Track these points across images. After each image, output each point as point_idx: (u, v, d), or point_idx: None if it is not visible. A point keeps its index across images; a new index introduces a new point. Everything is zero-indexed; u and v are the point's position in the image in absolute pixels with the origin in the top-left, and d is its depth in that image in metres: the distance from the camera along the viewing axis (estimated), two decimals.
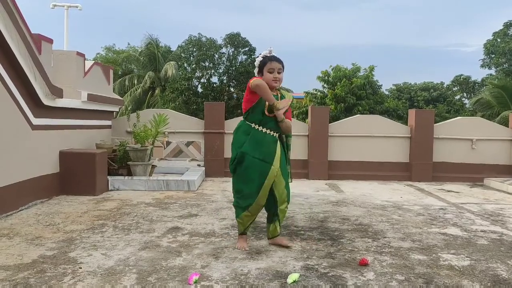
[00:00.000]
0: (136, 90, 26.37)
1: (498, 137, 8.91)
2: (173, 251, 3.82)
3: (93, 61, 8.03)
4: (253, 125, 3.73)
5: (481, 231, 4.76)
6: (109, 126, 8.62)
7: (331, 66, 21.08)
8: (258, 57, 3.80)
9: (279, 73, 3.70)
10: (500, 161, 8.88)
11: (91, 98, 7.17)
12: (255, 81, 3.58)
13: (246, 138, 3.75)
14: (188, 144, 8.83)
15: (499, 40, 24.29)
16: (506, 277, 3.35)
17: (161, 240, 4.15)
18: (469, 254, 3.89)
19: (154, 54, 26.88)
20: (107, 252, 3.75)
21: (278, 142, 3.82)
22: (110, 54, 34.34)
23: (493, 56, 24.58)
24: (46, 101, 5.92)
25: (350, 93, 20.19)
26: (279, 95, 3.81)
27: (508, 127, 9.17)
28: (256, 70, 3.80)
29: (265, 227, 4.80)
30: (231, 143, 3.92)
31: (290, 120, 3.86)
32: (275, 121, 3.71)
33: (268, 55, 3.73)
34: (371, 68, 21.14)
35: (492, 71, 26.31)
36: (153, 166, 7.56)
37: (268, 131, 3.74)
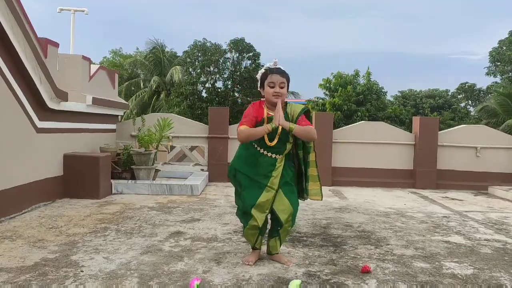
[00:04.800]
0: (142, 94, 26.48)
1: (503, 145, 8.87)
2: (175, 256, 3.82)
3: (99, 65, 8.07)
4: (254, 144, 3.49)
5: (485, 239, 4.73)
6: (113, 130, 8.66)
7: (332, 73, 21.13)
8: (261, 69, 3.54)
9: (281, 87, 3.38)
10: (504, 170, 8.83)
11: (96, 102, 7.20)
12: (239, 132, 3.35)
13: (244, 153, 3.58)
14: (192, 148, 8.85)
15: (504, 48, 24.24)
16: (510, 286, 3.32)
17: (163, 245, 4.15)
18: (472, 263, 3.87)
19: (159, 59, 27.00)
20: (109, 256, 3.75)
21: (282, 163, 3.53)
22: (117, 58, 34.53)
23: (498, 64, 24.52)
24: (51, 104, 5.96)
25: (349, 100, 20.20)
26: (281, 111, 3.36)
27: None
28: (257, 84, 3.57)
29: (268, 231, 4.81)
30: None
31: (309, 124, 3.47)
32: (280, 144, 3.45)
33: (272, 67, 3.46)
34: (368, 73, 21.21)
35: (498, 79, 26.23)
36: (157, 170, 7.57)
37: (266, 153, 3.48)
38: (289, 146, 3.53)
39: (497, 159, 8.84)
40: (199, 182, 7.17)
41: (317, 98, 21.82)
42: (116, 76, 8.93)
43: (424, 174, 8.64)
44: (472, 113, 28.09)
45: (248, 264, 3.61)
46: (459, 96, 31.93)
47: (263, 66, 3.60)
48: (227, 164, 8.66)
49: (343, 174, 8.77)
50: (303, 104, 21.64)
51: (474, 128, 9.85)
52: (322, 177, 8.61)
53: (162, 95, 26.06)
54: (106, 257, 3.73)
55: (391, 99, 31.05)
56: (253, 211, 3.48)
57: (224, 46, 23.34)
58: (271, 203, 3.52)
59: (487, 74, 25.86)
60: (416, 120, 9.13)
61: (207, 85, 23.99)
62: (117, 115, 8.96)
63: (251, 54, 23.04)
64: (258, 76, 3.53)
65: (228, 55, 23.37)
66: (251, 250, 3.78)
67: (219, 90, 23.82)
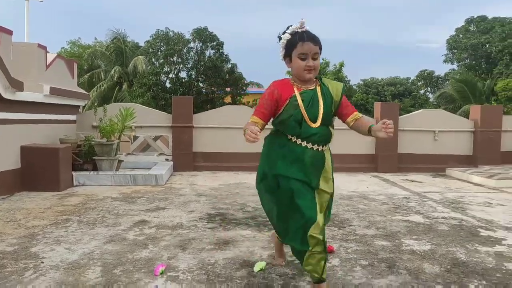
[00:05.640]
0: (103, 85, 25.81)
1: (459, 129, 9.22)
2: (139, 244, 3.78)
3: (56, 54, 7.79)
4: (289, 136, 2.69)
5: (442, 217, 4.93)
6: (73, 121, 8.41)
7: None
8: (284, 33, 2.64)
9: (314, 59, 2.57)
10: (461, 152, 9.19)
11: (54, 91, 6.97)
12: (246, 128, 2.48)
13: (277, 150, 2.79)
14: (156, 138, 8.72)
15: (461, 36, 25.08)
16: (465, 259, 3.48)
17: (127, 234, 4.10)
18: (430, 239, 4.02)
19: (121, 49, 26.36)
20: (71, 247, 3.67)
21: (329, 156, 2.83)
22: (75, 49, 33.44)
23: (455, 51, 25.36)
24: (5, 95, 5.72)
25: None
26: (319, 87, 2.68)
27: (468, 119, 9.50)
28: (281, 53, 2.68)
29: (234, 217, 4.83)
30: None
31: (355, 111, 2.78)
32: (324, 127, 2.66)
33: (299, 30, 2.60)
34: (341, 64, 21.40)
35: (455, 66, 27.16)
36: (120, 161, 7.43)
37: (306, 144, 2.66)
38: (332, 132, 2.73)
39: (454, 142, 9.19)
40: (163, 172, 7.10)
41: None
42: (75, 65, 8.66)
43: (385, 158, 8.87)
44: (431, 100, 28.98)
45: (281, 265, 3.22)
46: (418, 84, 32.84)
47: (287, 30, 2.63)
48: (192, 153, 8.63)
49: None
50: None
51: (432, 112, 10.18)
52: None
53: (124, 86, 25.51)
54: (68, 247, 3.65)
55: (354, 87, 31.58)
56: (312, 230, 2.52)
57: (187, 36, 23.03)
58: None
59: (445, 61, 26.71)
60: (377, 106, 9.35)
61: (170, 75, 23.63)
62: (78, 106, 8.70)
63: (214, 43, 22.82)
64: (282, 42, 2.65)
65: (192, 44, 23.07)
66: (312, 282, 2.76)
67: (183, 80, 23.51)
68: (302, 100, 2.60)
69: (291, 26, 2.62)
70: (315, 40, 2.58)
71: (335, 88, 2.71)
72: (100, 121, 7.46)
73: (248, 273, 3.14)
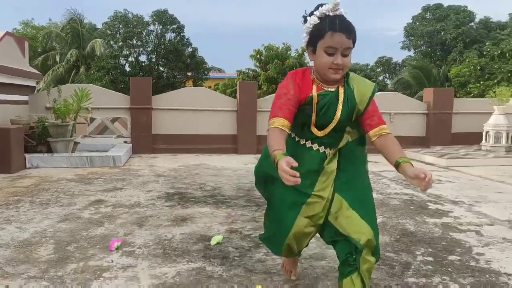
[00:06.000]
0: (59, 68, 24.87)
1: (413, 111, 9.54)
2: (94, 222, 3.73)
3: (5, 31, 7.43)
4: (292, 135, 2.20)
5: (395, 193, 5.12)
6: (26, 102, 8.09)
7: (263, 44, 21.17)
8: (311, 14, 2.02)
9: (345, 55, 1.96)
10: (415, 133, 9.52)
11: (3, 70, 6.66)
12: (268, 128, 2.00)
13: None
14: (113, 120, 8.53)
15: (417, 23, 25.75)
16: (413, 230, 3.64)
17: (82, 213, 4.02)
18: (382, 213, 4.18)
19: (77, 31, 25.40)
20: (22, 226, 3.57)
21: (335, 160, 2.18)
22: (28, 30, 31.94)
23: (412, 38, 26.05)
24: None
25: (282, 74, 20.46)
26: (342, 89, 2.08)
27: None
28: (304, 39, 2.07)
29: (193, 196, 4.83)
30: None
31: (383, 123, 2.09)
32: (334, 134, 2.13)
33: (331, 13, 1.96)
34: (303, 49, 21.47)
35: (411, 53, 27.91)
36: (76, 143, 7.24)
37: (311, 145, 2.16)
38: (346, 137, 2.17)
39: (408, 123, 9.50)
40: (121, 153, 6.97)
41: (248, 69, 21.82)
42: (26, 44, 8.29)
43: None
44: (389, 86, 29.75)
45: (292, 278, 2.60)
46: (377, 70, 33.58)
47: (315, 12, 2.00)
48: (152, 135, 8.52)
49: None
50: (232, 77, 20.89)
51: (388, 95, 10.47)
52: (248, 145, 8.93)
53: (81, 70, 24.66)
54: (19, 226, 3.55)
55: None
56: (288, 240, 2.19)
57: (147, 18, 22.52)
58: (320, 220, 2.17)
59: (402, 48, 27.41)
60: None
61: (130, 58, 23.10)
62: (30, 87, 8.36)
63: (175, 26, 22.44)
64: (307, 27, 2.02)
65: (151, 27, 22.59)
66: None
67: (143, 64, 23.05)
68: (317, 103, 2.05)
69: (321, 6, 1.98)
70: (349, 30, 1.93)
71: (363, 91, 2.07)
72: (54, 102, 7.21)
73: (205, 247, 3.17)
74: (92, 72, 22.81)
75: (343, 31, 1.93)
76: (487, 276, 2.71)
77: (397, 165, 1.95)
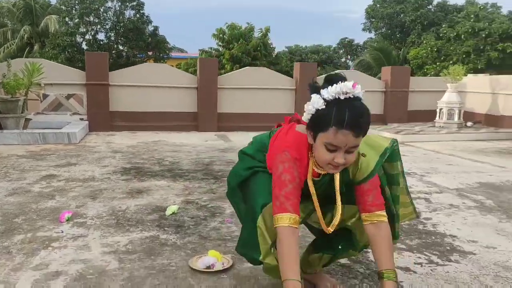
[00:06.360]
0: (11, 46, 23.67)
1: (372, 89, 9.72)
2: (45, 195, 3.61)
3: None
4: None
5: None
6: None
7: (226, 23, 20.88)
8: (317, 88, 1.62)
9: (349, 152, 1.59)
10: (373, 111, 9.68)
11: None
12: (278, 236, 1.64)
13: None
14: (68, 97, 8.23)
15: (378, 5, 26.08)
16: None
17: (32, 187, 3.88)
18: None
19: (30, 6, 24.19)
20: None
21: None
22: None
23: (373, 20, 26.38)
24: None
25: (246, 54, 20.31)
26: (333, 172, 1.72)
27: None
28: (305, 117, 1.67)
29: (150, 170, 4.76)
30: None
31: (379, 208, 1.77)
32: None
33: (342, 97, 1.56)
34: (267, 29, 21.35)
35: (372, 35, 28.32)
36: (28, 120, 6.95)
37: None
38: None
39: (367, 101, 9.46)
40: (77, 130, 6.75)
41: (211, 48, 21.49)
42: None
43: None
44: (351, 68, 30.17)
45: None
46: (340, 52, 33.93)
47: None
48: (109, 112, 8.30)
49: (228, 119, 8.90)
50: (195, 57, 20.48)
51: (347, 73, 10.57)
52: (209, 123, 8.86)
53: (36, 47, 23.59)
54: None
55: (280, 55, 31.91)
56: (260, 221, 1.74)
57: None
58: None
59: (363, 30, 27.72)
60: (297, 66, 9.55)
61: (87, 36, 22.27)
62: None
63: (134, 3, 21.74)
64: (310, 110, 1.62)
65: (110, 3, 21.79)
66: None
67: (101, 42, 22.28)
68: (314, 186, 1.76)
69: (332, 81, 1.58)
70: (359, 127, 1.54)
71: (364, 170, 1.74)
72: (4, 77, 6.86)
73: (160, 217, 3.14)
74: (46, 50, 21.86)
75: (351, 128, 1.51)
76: (433, 237, 2.83)
77: (379, 276, 1.71)
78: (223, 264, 2.29)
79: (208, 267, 2.25)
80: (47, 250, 2.49)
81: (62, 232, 2.77)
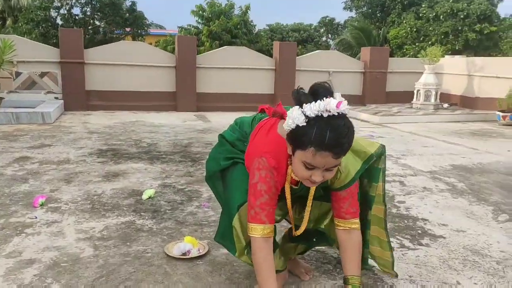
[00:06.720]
0: None
1: (351, 70, 9.74)
2: (18, 179, 3.54)
3: None
4: None
5: None
6: None
7: (206, 0, 20.48)
8: (300, 101, 1.52)
9: (329, 169, 1.54)
10: (352, 91, 9.76)
11: None
12: (252, 246, 1.68)
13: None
14: (42, 75, 7.99)
15: None
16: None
17: (4, 170, 3.80)
18: None
19: None
20: None
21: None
22: None
23: None
24: None
25: (226, 31, 20.02)
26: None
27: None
28: (285, 128, 1.55)
29: (127, 152, 4.71)
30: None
31: (353, 216, 1.77)
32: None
33: (325, 114, 1.46)
34: (247, 7, 21.04)
35: (353, 14, 28.22)
36: (0, 98, 6.75)
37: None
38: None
39: (346, 82, 9.70)
40: (51, 110, 6.60)
41: (190, 25, 21.09)
42: None
43: (284, 97, 9.13)
44: (332, 47, 30.11)
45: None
46: (321, 30, 33.78)
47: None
48: (85, 91, 8.13)
49: (207, 99, 8.83)
50: (174, 34, 20.24)
51: (327, 53, 10.61)
52: (187, 103, 8.77)
53: (8, 22, 22.77)
54: None
55: (261, 33, 31.58)
56: (235, 221, 1.75)
57: None
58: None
59: (344, 8, 27.58)
60: (276, 45, 9.47)
61: (62, 11, 21.55)
62: None
63: None
64: (290, 123, 1.52)
65: None
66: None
67: (76, 17, 21.62)
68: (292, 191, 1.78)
69: (320, 94, 1.48)
70: (340, 148, 1.46)
71: (343, 179, 1.72)
72: None
73: (136, 201, 3.12)
74: (20, 25, 21.12)
75: (331, 149, 1.44)
76: (406, 221, 2.89)
77: (344, 281, 1.77)
78: (199, 250, 2.31)
79: (184, 254, 2.26)
80: (20, 236, 2.46)
81: (36, 217, 2.74)
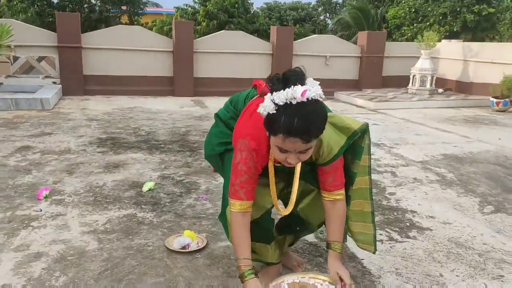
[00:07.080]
0: None
1: (347, 54, 9.77)
2: (21, 170, 3.65)
3: None
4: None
5: None
6: None
7: None
8: (269, 95, 1.58)
9: (302, 152, 1.61)
10: (348, 76, 9.82)
11: None
12: (230, 217, 1.82)
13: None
14: (40, 59, 8.02)
15: None
16: None
17: (7, 160, 3.90)
18: None
19: None
20: None
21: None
22: None
23: None
24: None
25: (223, 10, 19.83)
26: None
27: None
28: (261, 113, 1.60)
29: (126, 141, 4.80)
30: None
31: (338, 187, 1.88)
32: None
33: (293, 102, 1.52)
34: None
35: None
36: None
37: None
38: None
39: (343, 67, 9.75)
40: (50, 96, 6.66)
41: (187, 5, 20.88)
42: None
43: None
44: (329, 26, 29.87)
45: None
46: (319, 9, 33.44)
47: None
48: (83, 76, 8.17)
49: (204, 84, 8.88)
50: (170, 13, 19.94)
51: (324, 38, 10.60)
52: (185, 88, 8.82)
53: (2, 1, 22.48)
54: None
55: (258, 11, 31.23)
56: (228, 211, 1.91)
57: None
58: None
59: None
60: (273, 30, 9.47)
61: None
62: None
63: None
64: (262, 112, 1.59)
65: None
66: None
67: None
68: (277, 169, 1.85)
69: (291, 81, 1.54)
70: (308, 134, 1.54)
71: (326, 155, 1.79)
72: None
73: (136, 193, 3.24)
74: (15, 3, 20.86)
75: (299, 136, 1.52)
76: (395, 213, 3.03)
77: (327, 245, 1.92)
78: (197, 244, 2.44)
79: (184, 247, 2.39)
80: (27, 229, 2.58)
81: (41, 210, 2.85)
